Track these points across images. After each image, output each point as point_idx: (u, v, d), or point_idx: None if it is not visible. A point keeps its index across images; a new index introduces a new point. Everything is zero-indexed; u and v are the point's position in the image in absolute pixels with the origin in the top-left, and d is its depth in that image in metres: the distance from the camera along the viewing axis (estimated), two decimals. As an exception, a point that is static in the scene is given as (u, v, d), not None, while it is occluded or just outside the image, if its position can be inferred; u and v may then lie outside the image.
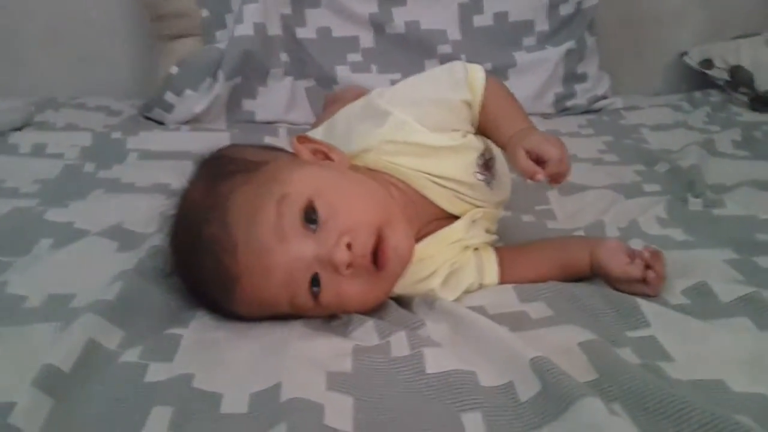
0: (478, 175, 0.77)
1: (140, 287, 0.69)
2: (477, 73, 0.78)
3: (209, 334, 0.65)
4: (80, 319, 0.62)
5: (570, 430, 0.49)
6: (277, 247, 0.62)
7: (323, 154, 0.73)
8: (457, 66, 0.80)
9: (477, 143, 0.78)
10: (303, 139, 0.75)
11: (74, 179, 1.06)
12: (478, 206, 0.78)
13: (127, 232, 0.83)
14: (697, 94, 1.57)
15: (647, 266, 0.70)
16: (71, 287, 0.71)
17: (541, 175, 0.68)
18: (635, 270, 0.69)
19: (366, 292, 0.65)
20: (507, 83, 1.40)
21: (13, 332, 0.63)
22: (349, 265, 0.62)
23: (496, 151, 0.81)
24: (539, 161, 0.69)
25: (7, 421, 0.49)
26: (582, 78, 1.49)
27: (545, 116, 1.45)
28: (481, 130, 0.79)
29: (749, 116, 1.40)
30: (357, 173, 0.72)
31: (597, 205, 0.95)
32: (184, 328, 0.65)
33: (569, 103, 1.48)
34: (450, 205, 0.76)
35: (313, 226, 0.63)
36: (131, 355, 0.59)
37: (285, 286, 0.63)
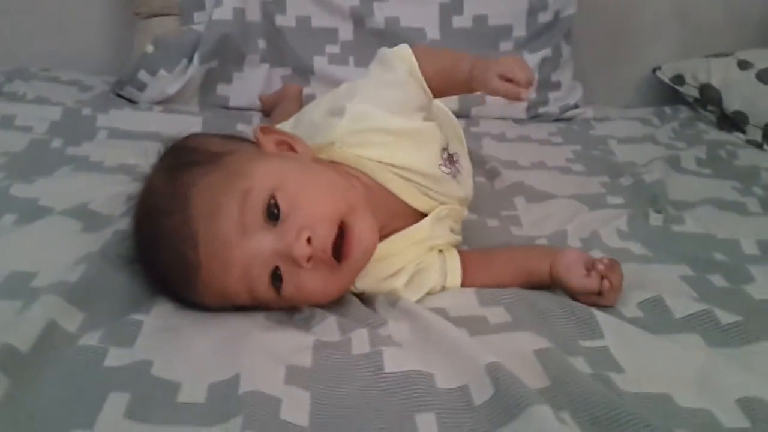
0: (443, 167, 0.78)
1: (104, 271, 0.69)
2: (401, 47, 0.80)
3: (170, 321, 0.65)
4: (41, 299, 0.62)
5: (519, 436, 0.50)
6: (236, 241, 0.62)
7: (287, 145, 0.74)
8: (382, 51, 0.82)
9: (439, 135, 0.79)
10: (267, 129, 0.75)
11: (42, 154, 1.05)
12: (442, 203, 0.78)
13: (92, 213, 0.82)
14: (667, 110, 1.59)
15: (603, 277, 0.71)
16: (33, 266, 0.71)
17: (524, 94, 0.69)
18: (592, 283, 0.71)
19: (327, 285, 0.66)
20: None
21: (-28, 310, 0.63)
22: (309, 259, 0.62)
23: (460, 150, 0.83)
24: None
25: (-42, 399, 0.49)
26: (555, 86, 1.51)
27: (516, 121, 1.47)
28: (438, 88, 0.79)
29: (715, 135, 1.43)
30: (320, 165, 0.72)
31: (561, 214, 0.96)
32: (146, 314, 0.65)
33: (541, 110, 1.49)
34: (414, 200, 0.77)
35: (273, 221, 0.63)
36: (91, 339, 0.59)
37: (244, 280, 0.64)
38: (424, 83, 0.77)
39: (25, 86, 1.36)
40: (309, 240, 0.62)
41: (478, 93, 1.34)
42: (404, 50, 0.79)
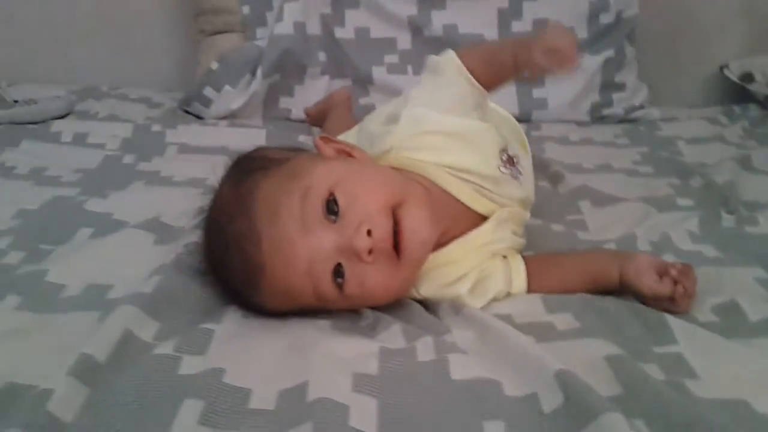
0: (502, 168, 0.78)
1: (177, 282, 0.71)
2: (445, 52, 0.80)
3: (240, 329, 0.66)
4: (118, 310, 0.64)
5: (591, 445, 0.49)
6: (299, 239, 0.64)
7: (346, 153, 0.75)
8: (429, 58, 0.83)
9: (498, 138, 0.79)
10: (326, 139, 0.77)
11: (114, 170, 1.09)
12: (503, 205, 0.78)
13: (164, 226, 0.85)
14: (736, 108, 1.54)
15: (677, 282, 0.70)
16: (109, 278, 0.74)
17: (572, 58, 0.70)
18: (664, 288, 0.69)
19: (389, 280, 0.66)
20: (543, 90, 1.43)
21: (53, 320, 0.66)
22: (371, 251, 0.63)
23: (521, 151, 0.83)
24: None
25: (45, 408, 0.51)
26: (620, 87, 1.48)
27: (580, 124, 1.45)
28: (487, 80, 0.79)
29: (787, 133, 1.38)
30: (377, 164, 0.73)
31: (629, 217, 0.94)
32: (217, 323, 0.66)
33: (605, 112, 1.47)
34: (473, 201, 0.76)
35: (334, 217, 0.64)
36: (165, 348, 0.61)
37: (308, 277, 0.65)
38: (472, 78, 0.78)
39: (97, 105, 1.43)
40: (369, 233, 0.63)
41: (533, 86, 1.36)
42: (448, 53, 0.80)
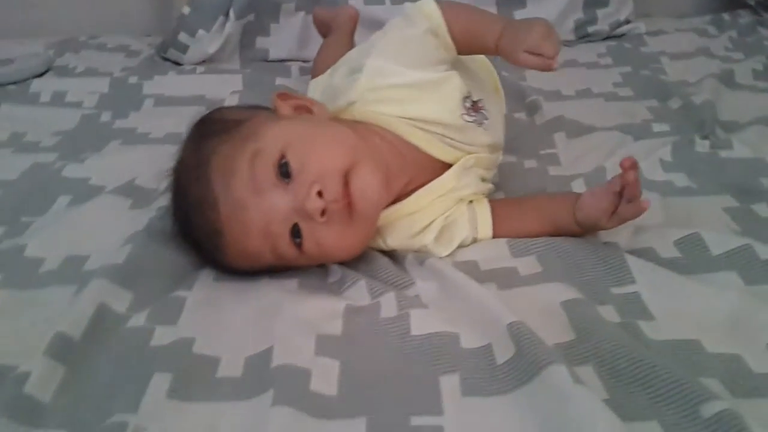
0: (466, 116, 0.77)
1: (149, 249, 0.72)
2: (427, 3, 0.78)
3: (211, 294, 0.69)
4: (91, 284, 0.66)
5: (536, 396, 0.51)
6: (252, 201, 0.65)
7: (305, 108, 0.75)
8: (406, 7, 0.80)
9: (460, 85, 0.78)
10: (284, 95, 0.77)
11: (91, 130, 1.10)
12: (469, 152, 0.78)
13: (138, 189, 0.86)
14: (726, 16, 1.50)
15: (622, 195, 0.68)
16: (86, 248, 0.75)
17: (554, 65, 0.70)
18: (606, 205, 0.69)
19: (344, 238, 0.68)
20: (524, 11, 1.39)
21: (31, 297, 0.68)
22: (323, 212, 0.64)
23: (486, 96, 0.82)
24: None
25: (23, 391, 0.53)
26: (603, 2, 1.44)
27: (565, 43, 1.42)
28: (464, 48, 0.78)
29: (778, 39, 1.35)
30: (331, 122, 0.74)
31: (603, 148, 0.94)
32: (189, 290, 0.69)
33: (590, 29, 1.44)
34: (438, 151, 0.76)
35: (287, 180, 0.65)
36: (138, 319, 0.64)
37: (264, 238, 0.66)
38: (450, 41, 0.76)
39: (75, 58, 1.42)
40: (320, 193, 0.64)
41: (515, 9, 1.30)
42: (430, 7, 0.77)
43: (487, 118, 0.80)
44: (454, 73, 0.78)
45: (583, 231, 0.74)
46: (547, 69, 0.69)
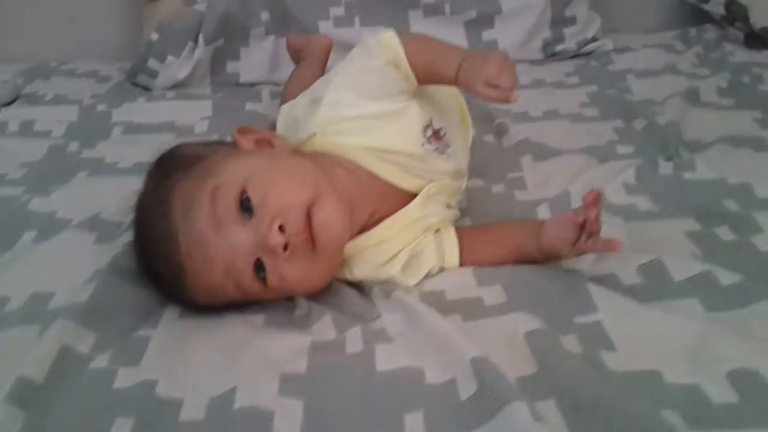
0: (427, 145, 0.78)
1: (113, 287, 0.72)
2: (387, 34, 0.78)
3: (176, 332, 0.68)
4: (54, 325, 0.65)
5: (498, 434, 0.52)
6: (213, 237, 0.65)
7: (267, 142, 0.76)
8: (366, 38, 0.81)
9: (421, 114, 0.78)
10: (245, 130, 0.77)
11: (59, 161, 1.09)
12: (431, 180, 0.78)
13: (104, 223, 0.85)
14: (693, 31, 1.53)
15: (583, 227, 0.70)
16: (51, 285, 0.74)
17: (511, 98, 0.70)
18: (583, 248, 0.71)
19: (308, 272, 0.68)
20: (493, 31, 1.40)
21: (-4, 339, 0.67)
22: (286, 247, 0.64)
23: (448, 123, 0.82)
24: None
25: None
26: (571, 21, 1.46)
27: (533, 62, 1.43)
28: (424, 79, 0.79)
29: (742, 56, 1.37)
30: (292, 156, 0.74)
31: (567, 172, 0.94)
32: (153, 328, 0.68)
33: (558, 48, 1.45)
34: (401, 180, 0.77)
35: (248, 214, 0.65)
36: (102, 361, 0.63)
37: (227, 273, 0.66)
38: (410, 73, 0.77)
39: (44, 85, 1.41)
40: (282, 228, 0.64)
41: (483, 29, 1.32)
42: (390, 39, 0.78)
43: (449, 146, 0.80)
44: (412, 102, 0.78)
45: (546, 258, 0.74)
46: (506, 101, 0.70)
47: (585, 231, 0.69)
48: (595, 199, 0.68)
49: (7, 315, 0.71)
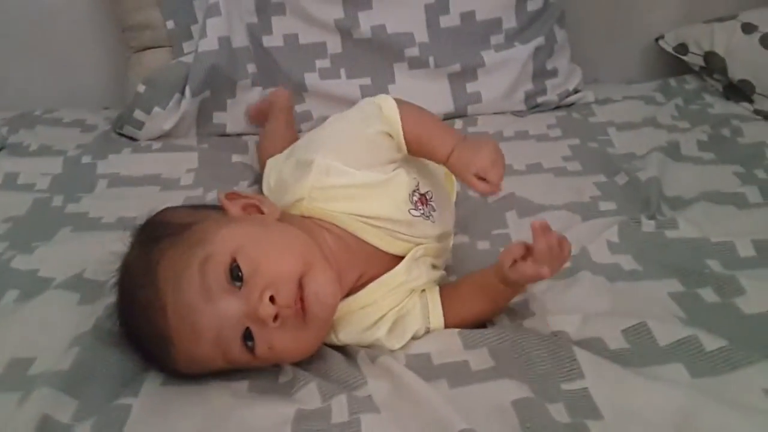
0: (413, 211, 0.79)
1: (95, 352, 0.72)
2: (387, 103, 0.79)
3: (158, 401, 0.67)
4: (35, 392, 0.65)
5: None
6: (203, 308, 0.64)
7: (255, 207, 0.76)
8: (365, 102, 0.82)
9: (408, 180, 0.79)
10: (233, 195, 0.77)
11: (43, 216, 1.08)
12: (418, 243, 0.79)
13: (87, 282, 0.85)
14: (673, 82, 1.55)
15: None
16: (32, 350, 0.74)
17: (495, 193, 0.76)
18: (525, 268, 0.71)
19: (298, 342, 0.68)
20: (476, 83, 1.42)
21: (-27, 407, 0.66)
22: (276, 317, 0.64)
23: (434, 185, 0.83)
24: None
25: None
26: (552, 73, 1.48)
27: (516, 114, 1.45)
28: (414, 153, 0.80)
29: (721, 107, 1.39)
30: (283, 224, 0.74)
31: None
32: (135, 396, 0.67)
33: (540, 100, 1.47)
34: (387, 245, 0.77)
35: (238, 284, 0.65)
36: (83, 430, 0.62)
37: (216, 344, 0.65)
38: (403, 145, 0.78)
39: (29, 135, 1.40)
40: (273, 299, 0.64)
41: (467, 81, 1.36)
42: (391, 109, 0.78)
43: (435, 210, 0.81)
44: (400, 171, 0.79)
45: (511, 287, 0.76)
46: (491, 194, 0.74)
47: (533, 255, 0.71)
48: (542, 227, 0.70)
49: (-13, 381, 0.70)
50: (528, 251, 0.72)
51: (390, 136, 0.78)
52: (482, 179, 0.74)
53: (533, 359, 0.70)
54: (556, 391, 0.65)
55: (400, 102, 0.79)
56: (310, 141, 0.85)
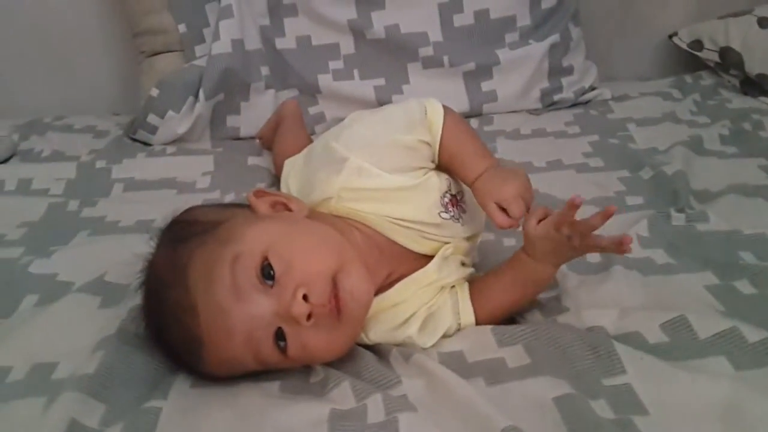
0: (443, 214, 0.77)
1: (121, 355, 0.70)
2: (435, 111, 0.78)
3: (188, 403, 0.65)
4: (61, 397, 0.63)
5: None
6: (234, 307, 0.63)
7: (282, 205, 0.74)
8: (413, 105, 0.80)
9: (439, 183, 0.78)
10: (260, 193, 0.75)
11: (59, 220, 1.06)
12: (447, 242, 0.77)
13: (108, 286, 0.83)
14: (688, 78, 1.54)
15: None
16: (54, 354, 0.72)
17: (514, 227, 0.73)
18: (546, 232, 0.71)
19: (331, 341, 0.66)
20: (492, 82, 1.41)
21: (-1, 413, 0.64)
22: (309, 316, 0.62)
23: (465, 187, 0.81)
24: None
25: None
26: (568, 71, 1.47)
27: (532, 112, 1.44)
28: (443, 167, 0.79)
29: (739, 102, 1.38)
30: (313, 221, 0.72)
31: (578, 224, 0.94)
32: (164, 399, 0.65)
33: (556, 98, 1.46)
34: (417, 245, 0.76)
35: (270, 282, 0.63)
36: (112, 435, 0.60)
37: (247, 345, 0.64)
38: (437, 157, 0.77)
39: (41, 141, 1.39)
40: (306, 297, 0.62)
41: (482, 80, 1.37)
42: (437, 118, 0.77)
43: (465, 212, 0.80)
44: (431, 174, 0.78)
45: (539, 265, 0.74)
46: (509, 228, 0.72)
47: (569, 228, 0.69)
48: (572, 203, 0.68)
49: (9, 386, 0.68)
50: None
51: (428, 144, 0.77)
52: (503, 210, 0.72)
53: (571, 355, 0.68)
54: (598, 387, 0.63)
55: (447, 111, 0.78)
56: (348, 135, 0.80)
